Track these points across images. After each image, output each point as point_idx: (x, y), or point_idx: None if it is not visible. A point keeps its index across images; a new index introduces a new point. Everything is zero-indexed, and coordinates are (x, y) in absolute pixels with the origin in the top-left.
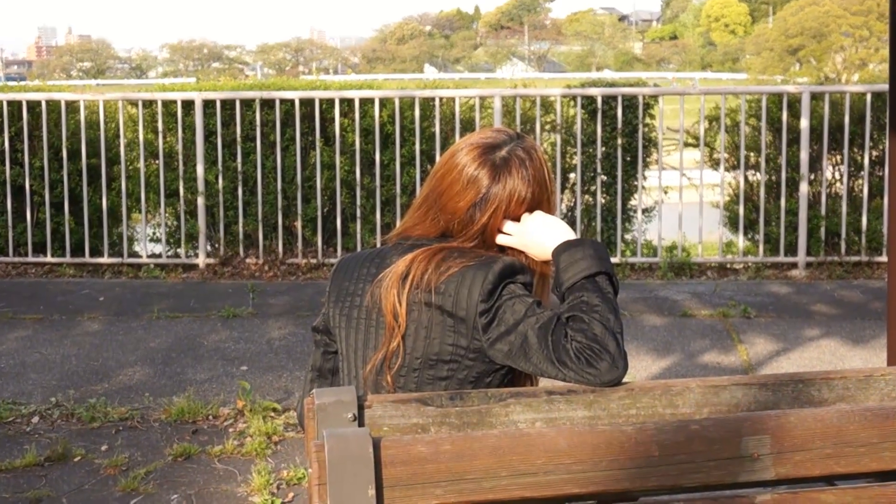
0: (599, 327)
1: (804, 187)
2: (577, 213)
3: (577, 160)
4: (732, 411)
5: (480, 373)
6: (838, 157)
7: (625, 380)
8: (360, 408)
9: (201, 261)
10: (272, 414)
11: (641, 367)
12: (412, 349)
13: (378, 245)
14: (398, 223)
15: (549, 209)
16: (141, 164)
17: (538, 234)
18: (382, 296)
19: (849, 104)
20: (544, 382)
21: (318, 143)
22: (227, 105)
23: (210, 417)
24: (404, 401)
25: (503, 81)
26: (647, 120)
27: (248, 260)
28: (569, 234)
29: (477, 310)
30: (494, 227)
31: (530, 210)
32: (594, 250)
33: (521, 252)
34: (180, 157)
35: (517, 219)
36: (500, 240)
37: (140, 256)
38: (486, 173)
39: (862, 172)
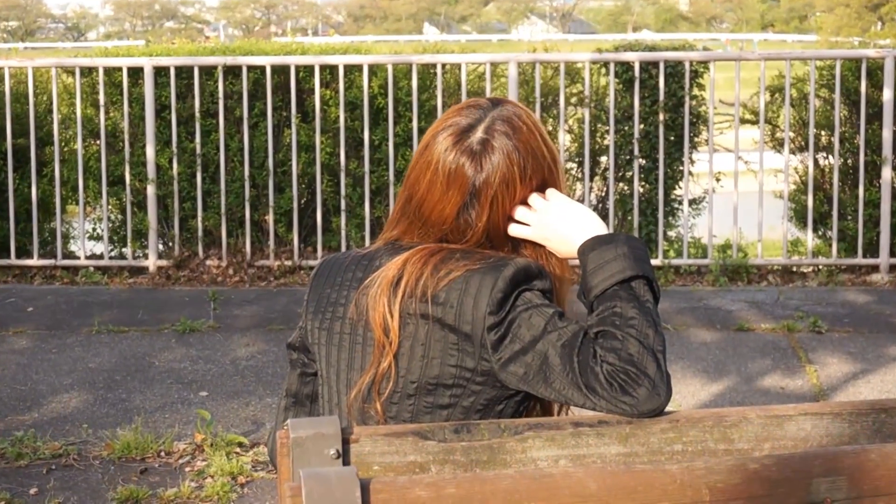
0: (636, 345)
1: (887, 173)
2: (610, 204)
3: (609, 140)
4: (800, 447)
5: (490, 400)
6: None
7: (668, 408)
8: (345, 442)
9: (152, 263)
10: (238, 450)
11: (688, 392)
12: (407, 371)
13: (367, 245)
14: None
15: (557, 182)
16: (78, 146)
17: (561, 225)
18: (370, 306)
19: None
20: (572, 411)
21: (293, 120)
22: (184, 73)
23: (162, 454)
24: (398, 434)
25: (519, 44)
26: (695, 91)
27: (208, 262)
28: (599, 227)
29: (485, 324)
30: (500, 222)
31: (537, 188)
32: (629, 248)
33: (541, 246)
34: (126, 136)
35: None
36: (514, 231)
37: (77, 258)
38: (465, 165)
39: None
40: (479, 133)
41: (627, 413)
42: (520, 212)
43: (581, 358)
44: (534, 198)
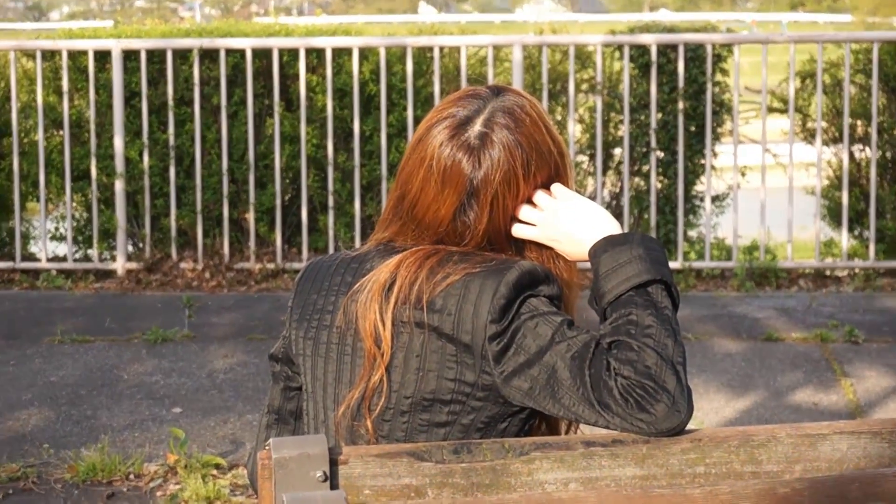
0: (653, 357)
1: None
2: (625, 201)
3: (624, 131)
4: (835, 469)
5: (492, 417)
6: None
7: (689, 426)
8: (333, 463)
9: (120, 265)
10: (214, 472)
11: (711, 409)
12: (400, 385)
13: (358, 246)
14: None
15: (565, 178)
16: (40, 137)
17: (570, 225)
18: (359, 313)
19: None
20: (582, 429)
21: (276, 109)
22: (156, 57)
23: (131, 476)
24: (392, 454)
25: (525, 25)
26: (719, 77)
27: (182, 264)
28: (611, 227)
29: (486, 333)
30: (502, 224)
31: (543, 185)
32: (645, 250)
33: (547, 248)
34: (92, 126)
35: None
36: (518, 232)
37: (38, 260)
38: (462, 161)
39: None
40: (477, 126)
41: (644, 432)
42: (524, 211)
43: (593, 371)
44: (540, 195)
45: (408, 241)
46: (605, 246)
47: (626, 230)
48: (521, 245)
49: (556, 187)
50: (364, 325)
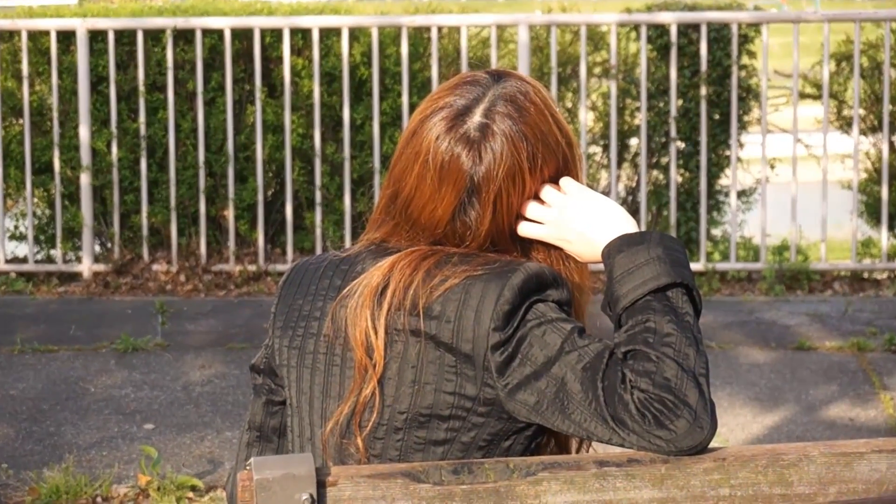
0: (673, 368)
1: None
2: (642, 196)
3: (640, 119)
4: (873, 491)
5: (495, 434)
6: None
7: (712, 444)
8: (321, 485)
9: (86, 268)
10: (190, 494)
11: (737, 424)
12: (394, 399)
13: (348, 246)
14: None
15: (574, 171)
16: None
17: (581, 223)
18: (349, 320)
19: None
20: (594, 447)
21: (258, 95)
22: (125, 38)
23: (98, 499)
24: (385, 475)
25: (531, 3)
26: (745, 60)
27: (155, 266)
28: (627, 225)
29: (489, 342)
30: (505, 223)
31: (550, 179)
32: (664, 250)
33: (555, 248)
34: (55, 114)
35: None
36: (525, 230)
37: None
38: (461, 156)
39: None
40: (477, 116)
41: (664, 450)
42: (532, 208)
43: (606, 383)
44: (548, 191)
45: (402, 243)
46: (620, 246)
47: (643, 228)
48: (528, 245)
49: (566, 181)
50: (354, 334)
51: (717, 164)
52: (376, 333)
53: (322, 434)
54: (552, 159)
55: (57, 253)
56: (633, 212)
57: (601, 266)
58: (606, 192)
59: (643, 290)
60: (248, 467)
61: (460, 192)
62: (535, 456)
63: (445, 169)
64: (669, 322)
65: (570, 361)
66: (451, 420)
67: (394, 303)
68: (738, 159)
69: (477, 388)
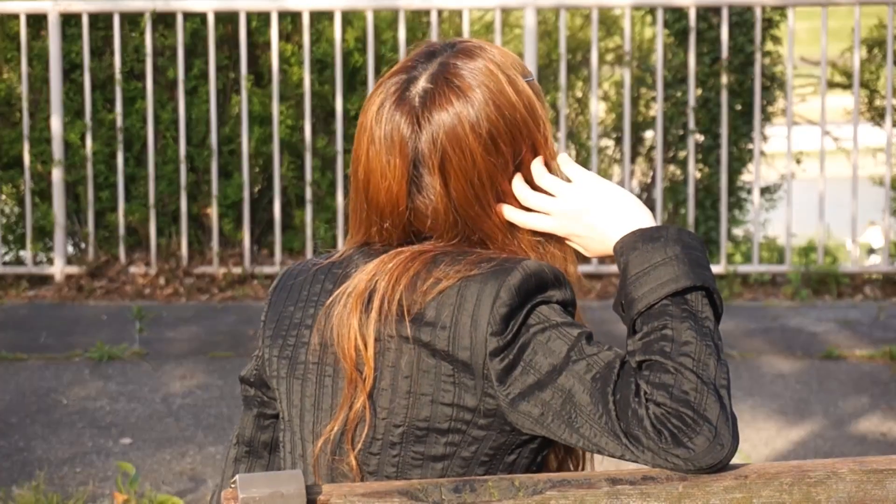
0: (692, 380)
1: None
2: (658, 193)
3: (656, 110)
4: None
5: (497, 448)
6: None
7: (735, 459)
8: None
9: (58, 270)
10: None
11: (760, 439)
12: (390, 413)
13: (341, 248)
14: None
15: (542, 147)
16: None
17: (593, 215)
18: (336, 329)
19: None
20: (607, 464)
21: (244, 83)
22: (100, 22)
23: None
24: (381, 493)
25: None
26: (769, 46)
27: (132, 269)
28: (641, 216)
29: (487, 348)
30: (467, 200)
31: (514, 155)
32: (683, 248)
33: (541, 239)
34: (25, 104)
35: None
36: (523, 220)
37: None
38: (401, 123)
39: None
40: (421, 82)
41: (681, 468)
42: (533, 198)
43: (619, 396)
44: (548, 178)
45: (383, 241)
46: (635, 242)
47: (659, 223)
48: (514, 231)
49: (567, 165)
50: (343, 344)
51: (739, 159)
52: (365, 343)
53: (313, 451)
54: (514, 135)
55: (27, 254)
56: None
57: (604, 264)
58: None
59: (660, 293)
60: (233, 485)
61: (407, 162)
62: (541, 473)
63: (389, 139)
64: (688, 329)
65: (579, 371)
66: (450, 434)
67: (383, 309)
68: (762, 153)
69: (477, 399)
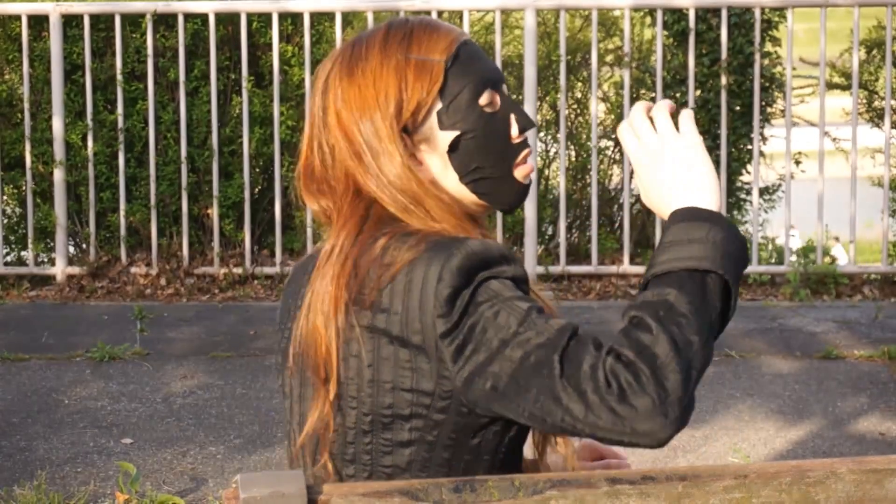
0: (667, 349)
1: None
2: None
3: None
4: None
5: (459, 432)
6: None
7: (734, 460)
8: None
9: (60, 270)
10: None
11: (759, 439)
12: (359, 402)
13: None
14: None
15: (419, 110)
16: None
17: (664, 172)
18: (302, 326)
19: None
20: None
21: (244, 84)
22: (101, 23)
23: None
24: (381, 493)
25: None
26: (769, 47)
27: (133, 269)
28: (708, 196)
29: (437, 331)
30: (353, 148)
31: (397, 108)
32: (726, 238)
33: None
34: (27, 105)
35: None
36: (627, 143)
37: None
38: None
39: None
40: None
41: (616, 431)
42: (626, 135)
43: (570, 358)
44: (644, 125)
45: (332, 214)
46: (685, 215)
47: (723, 211)
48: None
49: (662, 122)
50: (308, 340)
51: (738, 160)
52: (326, 339)
53: (294, 450)
54: (391, 97)
55: (28, 254)
56: (647, 211)
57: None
58: (619, 189)
59: (681, 264)
60: (234, 485)
61: (311, 125)
62: (513, 459)
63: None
64: (689, 304)
65: (528, 339)
66: (412, 419)
67: (342, 299)
68: (761, 154)
69: (433, 383)
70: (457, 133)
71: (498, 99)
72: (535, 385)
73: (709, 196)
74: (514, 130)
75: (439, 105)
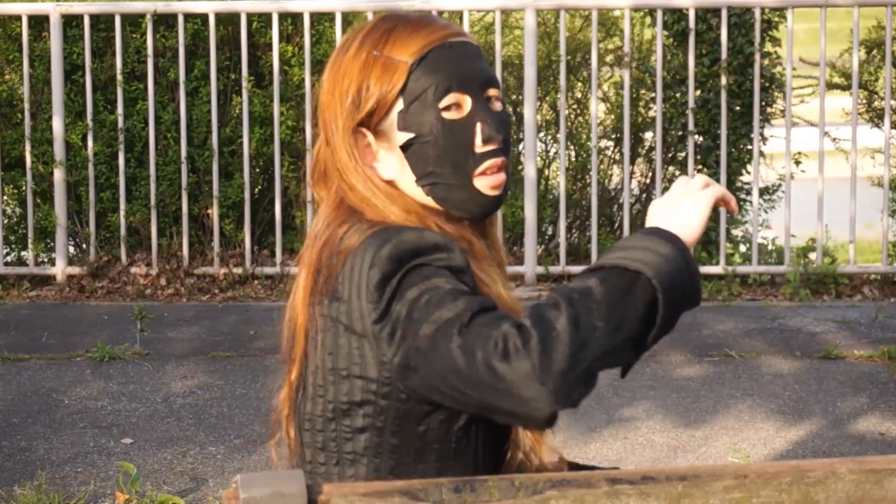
0: (566, 322)
1: None
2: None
3: (655, 111)
4: None
5: (403, 418)
6: None
7: (735, 460)
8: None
9: (60, 271)
10: None
11: (759, 439)
12: (325, 391)
13: None
14: None
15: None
16: None
17: (664, 200)
18: (289, 314)
19: None
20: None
21: (245, 84)
22: (101, 23)
23: None
24: (381, 493)
25: None
26: (769, 47)
27: (133, 269)
28: (689, 229)
29: (371, 318)
30: (341, 145)
31: (371, 117)
32: (675, 258)
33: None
34: (26, 105)
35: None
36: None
37: None
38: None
39: None
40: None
41: (491, 388)
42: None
43: (471, 327)
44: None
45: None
46: (654, 231)
47: (690, 236)
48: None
49: (684, 180)
50: (287, 327)
51: (738, 160)
52: (299, 322)
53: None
54: (358, 97)
55: (28, 254)
56: (647, 210)
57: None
58: (619, 189)
59: (616, 261)
60: (234, 485)
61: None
62: (466, 446)
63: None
64: (607, 296)
65: (440, 316)
66: (364, 406)
67: (309, 289)
68: (761, 154)
69: (376, 369)
70: (411, 136)
71: (468, 105)
72: (437, 357)
73: (687, 231)
74: (479, 140)
75: (400, 105)
